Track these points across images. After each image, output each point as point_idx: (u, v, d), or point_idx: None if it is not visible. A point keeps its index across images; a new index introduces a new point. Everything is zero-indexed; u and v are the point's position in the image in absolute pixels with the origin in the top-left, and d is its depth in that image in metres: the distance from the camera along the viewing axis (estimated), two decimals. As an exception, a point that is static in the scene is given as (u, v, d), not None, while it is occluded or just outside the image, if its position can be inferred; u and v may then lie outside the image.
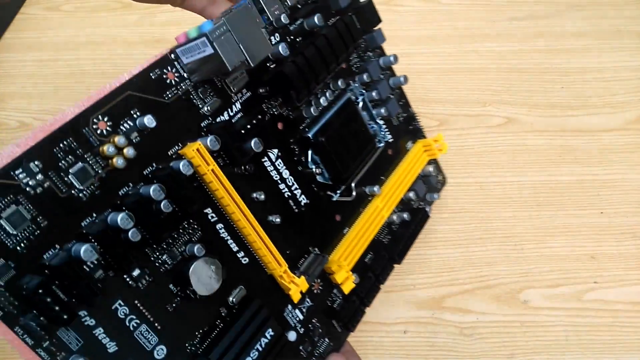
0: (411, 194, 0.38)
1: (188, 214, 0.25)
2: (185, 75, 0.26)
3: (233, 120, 0.28)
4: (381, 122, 0.37)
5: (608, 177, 0.45)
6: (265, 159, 0.30)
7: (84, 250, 0.20)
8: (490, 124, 0.48)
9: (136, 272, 0.24)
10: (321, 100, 0.33)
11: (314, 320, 0.32)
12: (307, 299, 0.31)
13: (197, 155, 0.25)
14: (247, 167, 0.28)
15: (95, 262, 0.22)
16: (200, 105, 0.27)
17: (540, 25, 0.53)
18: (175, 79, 0.26)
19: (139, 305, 0.24)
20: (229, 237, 0.28)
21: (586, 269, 0.41)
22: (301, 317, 0.31)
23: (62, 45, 0.54)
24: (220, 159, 0.27)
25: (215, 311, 0.27)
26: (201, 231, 0.26)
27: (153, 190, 0.23)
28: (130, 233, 0.22)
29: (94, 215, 0.22)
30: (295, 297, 0.29)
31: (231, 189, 0.26)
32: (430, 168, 0.40)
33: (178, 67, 0.26)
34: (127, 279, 0.24)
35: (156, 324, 0.24)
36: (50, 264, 0.21)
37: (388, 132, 0.37)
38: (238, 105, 0.28)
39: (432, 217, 0.41)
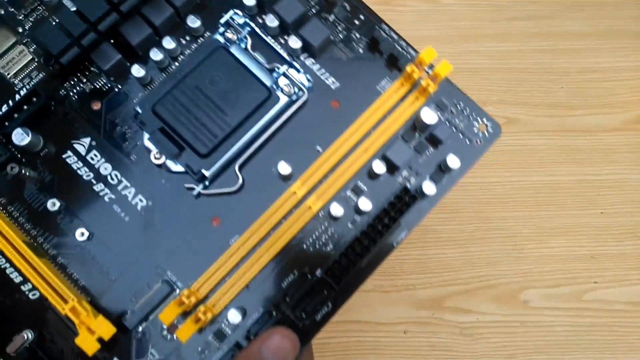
0: (375, 165, 0.23)
1: None
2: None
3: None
4: (298, 62, 0.25)
5: (608, 177, 0.45)
6: (69, 153, 0.24)
7: None
8: (490, 124, 0.48)
9: None
10: (152, 55, 0.24)
11: None
12: (152, 351, 0.22)
13: None
14: (15, 169, 0.23)
15: None
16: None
17: (540, 25, 0.53)
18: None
19: None
20: (7, 265, 0.22)
21: (586, 269, 0.41)
22: None
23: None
24: None
25: None
26: None
27: None
28: None
29: None
30: (88, 347, 0.21)
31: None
32: (424, 115, 0.24)
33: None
34: None
35: None
36: None
37: (324, 75, 0.25)
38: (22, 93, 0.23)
39: (431, 217, 0.41)
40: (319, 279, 0.23)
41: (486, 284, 0.41)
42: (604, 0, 0.55)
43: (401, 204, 0.23)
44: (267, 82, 0.24)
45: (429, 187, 0.24)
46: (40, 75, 0.24)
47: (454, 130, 0.25)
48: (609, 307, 0.40)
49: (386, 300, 0.40)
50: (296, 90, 0.24)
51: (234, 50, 0.24)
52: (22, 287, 0.22)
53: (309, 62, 0.25)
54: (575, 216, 0.44)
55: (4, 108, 0.23)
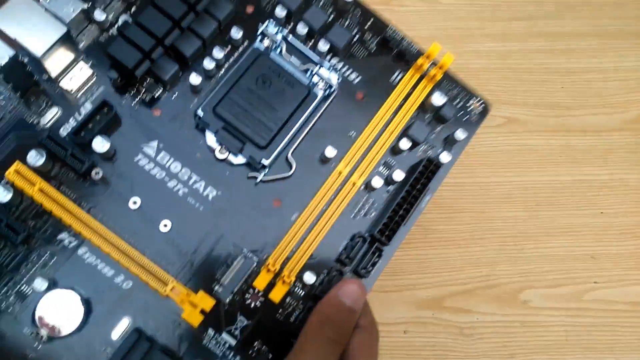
0: (402, 143, 0.29)
1: (15, 245, 0.23)
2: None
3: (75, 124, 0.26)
4: (327, 62, 0.29)
5: (608, 177, 0.45)
6: (140, 156, 0.26)
7: None
8: (490, 124, 0.48)
9: None
10: (205, 65, 0.27)
11: (255, 344, 0.26)
12: (241, 317, 0.26)
13: (17, 177, 0.23)
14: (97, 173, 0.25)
15: None
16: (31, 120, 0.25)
17: (540, 25, 0.53)
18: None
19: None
20: (98, 261, 0.25)
21: (586, 269, 0.41)
22: (233, 342, 0.25)
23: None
24: (65, 169, 0.25)
25: (97, 353, 0.24)
26: (54, 260, 0.24)
27: None
28: None
29: None
30: (193, 319, 0.24)
31: (72, 206, 0.24)
32: (434, 98, 0.30)
33: None
34: None
35: None
36: None
37: (349, 70, 0.30)
38: (88, 105, 0.26)
39: (432, 217, 0.41)
40: (370, 239, 0.27)
41: (486, 284, 0.41)
42: (604, 0, 0.55)
43: (428, 172, 0.28)
44: (305, 81, 0.28)
45: (445, 157, 0.29)
46: (101, 88, 0.27)
47: (457, 109, 0.31)
48: (609, 307, 0.40)
49: (386, 300, 0.40)
50: (328, 86, 0.29)
51: (272, 55, 0.28)
52: (115, 280, 0.25)
53: (334, 61, 0.30)
54: (575, 216, 0.44)
55: (80, 118, 0.26)
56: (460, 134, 0.30)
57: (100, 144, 0.25)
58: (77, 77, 0.26)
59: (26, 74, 0.24)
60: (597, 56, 0.52)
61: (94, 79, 0.27)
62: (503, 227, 0.43)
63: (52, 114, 0.26)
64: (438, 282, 0.41)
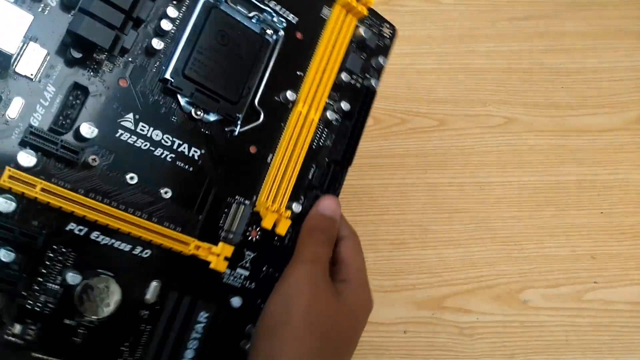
0: (343, 76, 0.32)
1: (37, 249, 0.23)
2: None
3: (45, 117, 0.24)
4: (271, 4, 0.30)
5: (608, 177, 0.45)
6: (120, 132, 0.25)
7: None
8: (490, 124, 0.48)
9: (17, 328, 0.23)
10: (162, 25, 0.26)
11: (264, 269, 0.30)
12: (248, 252, 0.29)
13: (14, 183, 0.22)
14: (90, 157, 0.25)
15: None
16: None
17: (540, 25, 0.53)
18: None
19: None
20: (113, 241, 0.25)
21: (586, 269, 0.41)
22: (247, 273, 0.29)
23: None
24: (58, 163, 0.24)
25: (134, 318, 0.25)
26: (74, 251, 0.24)
27: None
28: None
29: None
30: (221, 266, 0.27)
31: (78, 197, 0.23)
32: (362, 31, 0.33)
33: None
34: (11, 338, 0.22)
35: None
36: None
37: (286, 13, 0.30)
38: (51, 89, 0.24)
39: (432, 217, 0.41)
40: (328, 163, 0.31)
41: (486, 284, 0.41)
42: (604, 0, 0.55)
43: (367, 99, 0.32)
44: (257, 29, 0.29)
45: (375, 83, 0.33)
46: (59, 67, 0.25)
47: (376, 38, 0.34)
48: (609, 307, 0.40)
49: (386, 300, 0.40)
50: (275, 31, 0.30)
51: (223, 7, 0.28)
52: (134, 252, 0.26)
53: (273, 4, 0.30)
54: (575, 216, 0.44)
55: (55, 106, 0.24)
56: (381, 60, 0.33)
57: (88, 130, 0.24)
58: (33, 59, 0.24)
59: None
60: (597, 56, 0.52)
61: (48, 59, 0.24)
62: (503, 227, 0.43)
63: (17, 106, 0.24)
64: (438, 282, 0.41)
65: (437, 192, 0.44)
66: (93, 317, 0.24)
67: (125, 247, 0.25)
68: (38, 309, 0.23)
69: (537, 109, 0.49)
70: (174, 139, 0.27)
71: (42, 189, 0.23)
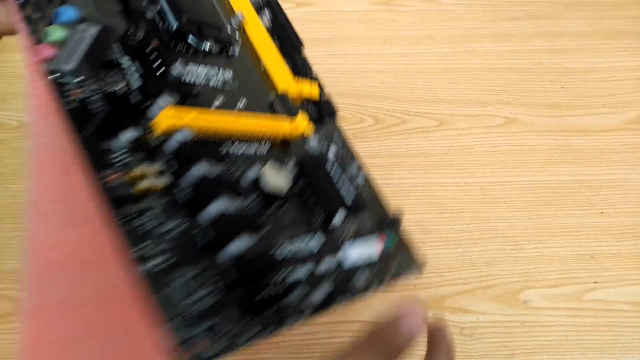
0: None
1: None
2: (83, 80, 0.22)
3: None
4: None
5: (608, 177, 0.45)
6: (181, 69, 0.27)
7: None
8: (490, 124, 0.48)
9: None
10: None
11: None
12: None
13: (173, 117, 0.23)
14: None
15: None
16: (122, 89, 0.24)
17: (540, 25, 0.53)
18: (81, 90, 0.22)
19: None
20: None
21: (586, 269, 0.41)
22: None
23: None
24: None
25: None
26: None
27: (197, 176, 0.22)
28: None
29: None
30: (309, 130, 0.29)
31: (227, 118, 0.25)
32: None
33: (72, 80, 0.21)
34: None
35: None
36: None
37: None
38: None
39: (432, 217, 0.41)
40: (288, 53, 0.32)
41: (486, 284, 0.41)
42: (604, 0, 0.55)
43: None
44: None
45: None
46: None
47: None
48: (609, 307, 0.40)
49: (386, 300, 0.40)
50: None
51: None
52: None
53: None
54: (575, 216, 0.44)
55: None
56: None
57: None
58: None
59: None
60: (597, 56, 0.52)
61: None
62: (503, 227, 0.43)
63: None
64: (438, 282, 0.41)
65: (437, 192, 0.44)
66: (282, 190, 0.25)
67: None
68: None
69: (537, 109, 0.49)
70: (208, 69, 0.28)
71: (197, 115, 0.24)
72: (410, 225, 0.44)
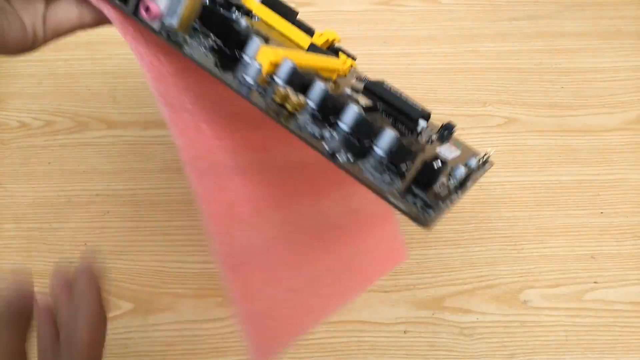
0: None
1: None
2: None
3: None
4: None
5: (608, 177, 0.45)
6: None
7: None
8: (490, 124, 0.48)
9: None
10: None
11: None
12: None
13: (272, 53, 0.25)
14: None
15: None
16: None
17: (540, 25, 0.53)
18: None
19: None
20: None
21: (586, 269, 0.41)
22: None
23: (62, 46, 0.54)
24: None
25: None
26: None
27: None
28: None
29: None
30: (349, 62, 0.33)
31: (306, 55, 0.27)
32: None
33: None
34: None
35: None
36: None
37: None
38: None
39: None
40: None
41: (486, 284, 0.41)
42: (604, 0, 0.55)
43: None
44: None
45: None
46: None
47: None
48: (609, 307, 0.40)
49: (386, 300, 0.40)
50: None
51: None
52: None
53: None
54: (575, 216, 0.44)
55: None
56: None
57: None
58: None
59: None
60: (597, 56, 0.52)
61: None
62: (503, 227, 0.43)
63: None
64: (438, 282, 0.41)
65: (437, 192, 0.44)
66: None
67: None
68: None
69: (537, 109, 0.49)
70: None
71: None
72: (410, 225, 0.44)
